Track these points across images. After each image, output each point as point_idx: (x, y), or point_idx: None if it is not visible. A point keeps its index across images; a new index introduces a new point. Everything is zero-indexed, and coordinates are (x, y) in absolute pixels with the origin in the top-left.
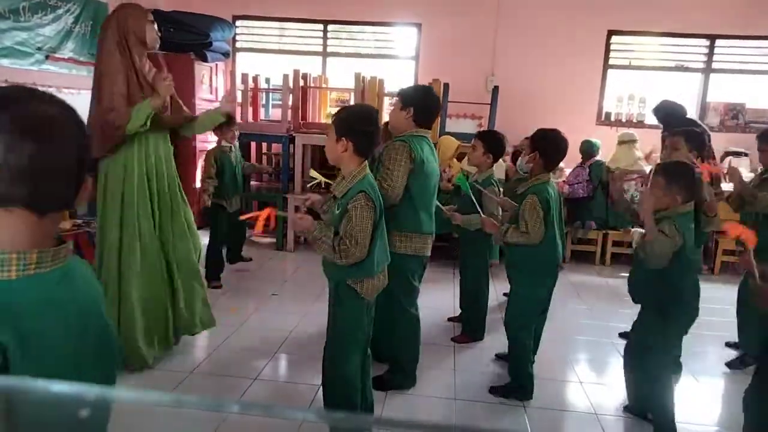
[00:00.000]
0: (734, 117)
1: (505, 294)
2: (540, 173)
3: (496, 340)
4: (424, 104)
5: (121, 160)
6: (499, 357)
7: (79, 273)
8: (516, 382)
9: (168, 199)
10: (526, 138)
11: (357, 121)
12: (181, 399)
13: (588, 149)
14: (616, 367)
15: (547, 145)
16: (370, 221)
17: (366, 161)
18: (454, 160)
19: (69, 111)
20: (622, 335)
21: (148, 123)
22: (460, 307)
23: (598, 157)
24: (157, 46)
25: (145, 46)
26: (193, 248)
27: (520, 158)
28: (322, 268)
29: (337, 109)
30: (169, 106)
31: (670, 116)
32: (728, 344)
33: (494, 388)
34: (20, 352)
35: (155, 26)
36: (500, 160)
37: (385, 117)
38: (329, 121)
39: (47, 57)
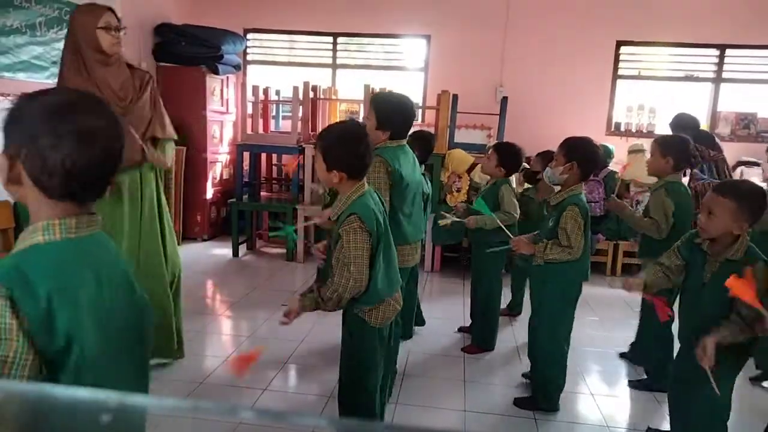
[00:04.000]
0: (746, 127)
1: (508, 312)
2: (574, 183)
3: (507, 351)
4: (399, 121)
5: None
6: (525, 376)
7: (106, 242)
8: (542, 392)
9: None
10: (537, 155)
11: (345, 147)
12: (197, 405)
13: (603, 156)
14: (626, 378)
15: (585, 155)
16: (364, 246)
17: (363, 180)
18: (465, 177)
19: (110, 123)
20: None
21: None
22: (471, 317)
23: (611, 167)
24: (120, 50)
25: (103, 53)
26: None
27: (548, 169)
28: None
29: (321, 131)
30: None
31: (680, 128)
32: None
33: (519, 400)
34: (59, 298)
35: (112, 29)
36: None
37: None
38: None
39: None
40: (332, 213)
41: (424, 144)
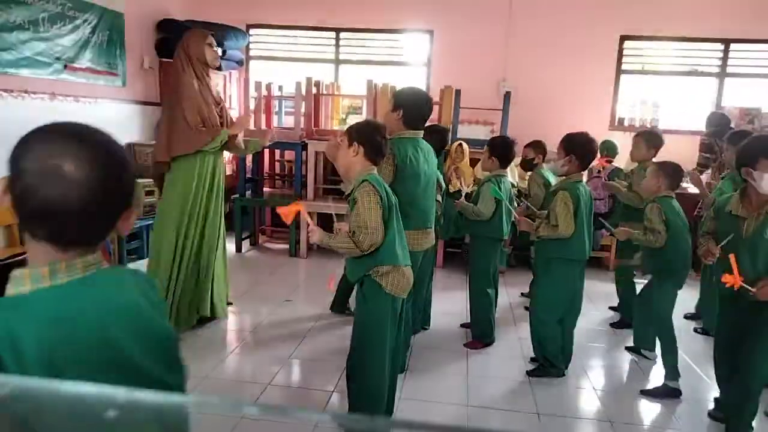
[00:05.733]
0: (750, 122)
1: (522, 294)
2: (573, 173)
3: (510, 346)
4: (413, 106)
5: (181, 176)
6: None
7: (106, 282)
8: (547, 361)
9: (213, 207)
10: (527, 145)
11: (369, 131)
12: (201, 400)
13: (608, 150)
14: (629, 373)
15: (581, 148)
16: (377, 205)
17: (375, 167)
18: (466, 164)
19: (93, 156)
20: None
21: (219, 146)
22: (470, 312)
23: (615, 163)
24: (218, 63)
25: (207, 65)
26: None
27: (552, 162)
28: (346, 273)
29: (352, 120)
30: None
31: (716, 125)
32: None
33: (529, 371)
34: (14, 359)
35: (214, 47)
36: (512, 164)
37: None
38: (341, 126)
39: (65, 67)
40: (348, 190)
41: (438, 137)
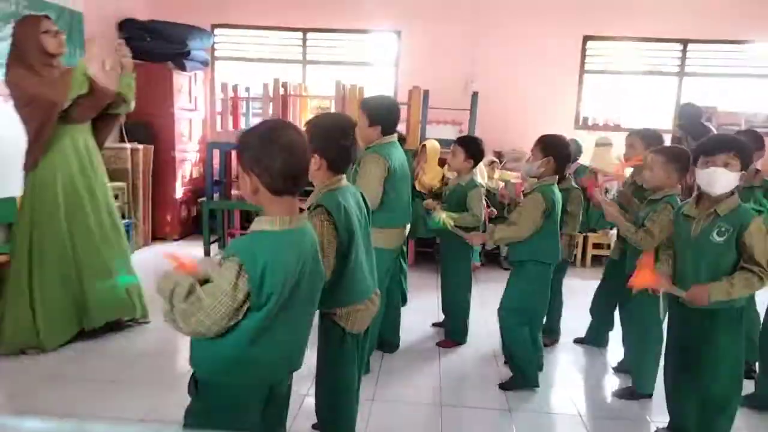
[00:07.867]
0: (707, 120)
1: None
2: (549, 176)
3: (481, 344)
4: (389, 119)
5: (50, 170)
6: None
7: (308, 232)
8: (519, 372)
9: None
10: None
11: (332, 136)
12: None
13: (576, 150)
14: (599, 369)
15: (560, 151)
16: (331, 238)
17: (343, 175)
18: (432, 164)
19: (302, 136)
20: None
21: (85, 87)
22: (443, 311)
23: (580, 161)
24: (64, 51)
25: (48, 56)
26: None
27: (526, 163)
28: None
29: (311, 117)
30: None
31: (686, 118)
32: None
33: (502, 384)
34: (270, 270)
35: (53, 32)
36: (480, 164)
37: None
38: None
39: None
40: (306, 203)
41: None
